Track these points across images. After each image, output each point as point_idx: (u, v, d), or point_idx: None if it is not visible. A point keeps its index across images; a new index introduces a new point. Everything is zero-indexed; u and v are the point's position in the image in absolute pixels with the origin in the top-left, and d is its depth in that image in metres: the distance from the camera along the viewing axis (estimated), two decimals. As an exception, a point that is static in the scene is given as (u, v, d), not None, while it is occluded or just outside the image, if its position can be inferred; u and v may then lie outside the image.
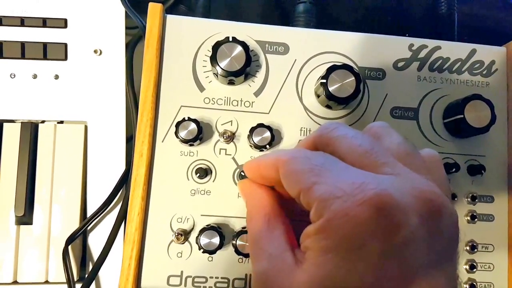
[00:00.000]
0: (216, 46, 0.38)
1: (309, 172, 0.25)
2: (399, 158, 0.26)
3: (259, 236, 0.28)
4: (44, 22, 0.49)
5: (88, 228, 0.47)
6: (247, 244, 0.36)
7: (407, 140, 0.28)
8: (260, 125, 0.39)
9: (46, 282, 0.46)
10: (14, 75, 0.48)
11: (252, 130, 0.39)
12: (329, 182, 0.24)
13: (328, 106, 0.40)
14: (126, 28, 0.50)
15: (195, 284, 0.38)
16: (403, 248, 0.22)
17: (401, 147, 0.27)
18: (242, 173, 0.39)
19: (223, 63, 0.38)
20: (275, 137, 0.39)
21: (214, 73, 0.40)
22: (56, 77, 0.49)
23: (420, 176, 0.25)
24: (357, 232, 0.22)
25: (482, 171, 0.41)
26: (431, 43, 0.43)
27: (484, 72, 0.44)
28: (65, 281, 0.44)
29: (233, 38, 0.38)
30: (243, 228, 0.38)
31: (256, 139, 0.38)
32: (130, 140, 0.48)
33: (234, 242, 0.37)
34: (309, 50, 0.42)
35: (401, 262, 0.22)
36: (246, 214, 0.30)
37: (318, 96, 0.40)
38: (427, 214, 0.23)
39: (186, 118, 0.38)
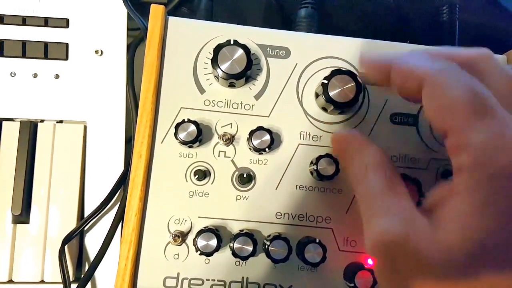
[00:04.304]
0: (217, 49, 0.38)
1: (478, 107, 0.22)
2: None
3: (381, 193, 0.25)
4: (46, 22, 0.49)
5: (85, 228, 0.47)
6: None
7: None
8: (260, 128, 0.39)
9: (42, 281, 0.46)
10: (15, 74, 0.48)
11: (251, 133, 0.39)
12: (500, 130, 0.21)
13: (323, 109, 0.40)
14: (128, 29, 0.51)
15: (191, 286, 0.38)
16: None
17: None
18: (243, 175, 0.39)
19: (224, 66, 0.38)
20: (274, 141, 0.39)
21: (214, 76, 0.40)
22: (57, 76, 0.49)
23: None
24: None
25: (481, 179, 0.41)
26: (432, 50, 0.43)
27: (484, 80, 0.44)
28: (60, 281, 0.44)
29: (235, 41, 0.38)
30: (240, 231, 0.38)
31: (255, 142, 0.38)
32: (129, 141, 0.48)
33: (231, 244, 0.37)
34: (310, 54, 0.42)
35: None
36: (355, 172, 0.27)
37: (316, 95, 0.40)
38: None
39: (186, 120, 0.38)
